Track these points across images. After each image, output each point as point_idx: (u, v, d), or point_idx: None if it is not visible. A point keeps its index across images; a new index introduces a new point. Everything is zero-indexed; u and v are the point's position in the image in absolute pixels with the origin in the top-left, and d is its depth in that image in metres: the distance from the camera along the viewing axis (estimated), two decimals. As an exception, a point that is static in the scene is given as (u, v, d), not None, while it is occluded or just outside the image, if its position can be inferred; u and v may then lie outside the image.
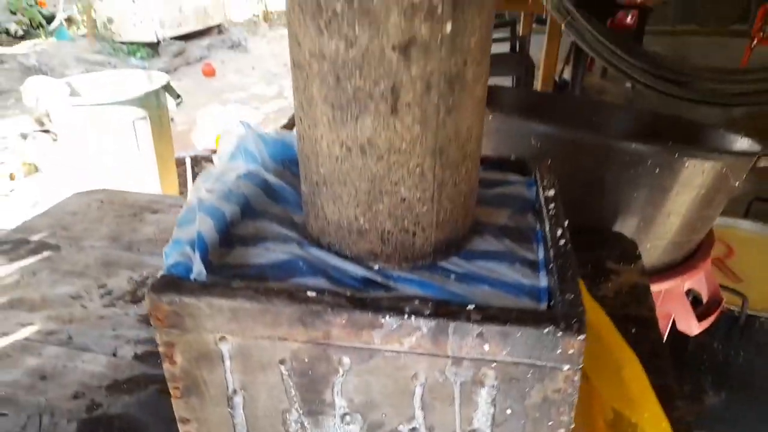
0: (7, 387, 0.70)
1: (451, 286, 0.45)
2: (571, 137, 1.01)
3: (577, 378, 0.39)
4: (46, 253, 1.01)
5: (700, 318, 1.23)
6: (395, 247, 0.46)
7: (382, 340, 0.39)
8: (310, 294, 0.40)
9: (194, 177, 3.18)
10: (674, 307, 1.21)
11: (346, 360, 0.41)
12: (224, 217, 0.50)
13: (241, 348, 0.42)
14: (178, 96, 2.73)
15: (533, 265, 0.48)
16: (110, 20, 6.13)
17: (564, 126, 1.02)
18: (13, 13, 6.47)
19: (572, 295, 0.41)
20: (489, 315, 0.38)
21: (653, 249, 1.16)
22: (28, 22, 6.51)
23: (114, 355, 0.75)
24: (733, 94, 3.52)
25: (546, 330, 0.37)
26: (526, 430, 0.41)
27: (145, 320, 0.82)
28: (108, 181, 2.43)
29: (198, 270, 0.43)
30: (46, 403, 0.67)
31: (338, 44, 0.37)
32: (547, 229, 0.50)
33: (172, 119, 3.03)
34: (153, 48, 6.24)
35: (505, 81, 4.54)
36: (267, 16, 8.41)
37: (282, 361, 0.42)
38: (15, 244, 1.04)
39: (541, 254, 0.50)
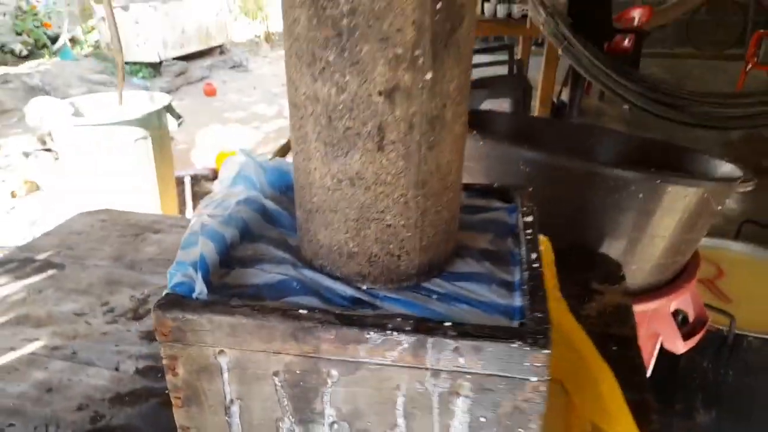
0: (15, 399, 0.73)
1: (432, 305, 0.49)
2: (557, 163, 1.06)
3: (544, 389, 0.43)
4: (51, 272, 1.05)
5: (687, 337, 1.27)
6: (382, 269, 0.50)
7: (368, 354, 0.43)
8: (302, 312, 0.44)
9: (194, 196, 3.22)
10: (660, 327, 1.25)
11: (334, 372, 0.45)
12: (224, 240, 0.54)
13: (238, 361, 0.46)
14: (179, 117, 2.78)
15: (509, 286, 0.52)
16: (114, 40, 6.22)
17: (550, 152, 1.06)
18: (19, 33, 6.58)
19: (541, 314, 0.45)
20: (464, 331, 0.42)
21: (639, 270, 1.20)
22: (33, 42, 6.62)
23: (117, 369, 0.78)
24: (728, 118, 3.59)
25: (515, 345, 0.41)
26: (499, 438, 0.45)
27: (146, 336, 0.85)
28: (108, 199, 2.47)
29: (200, 289, 0.47)
30: (52, 415, 0.70)
31: (330, 89, 0.42)
32: (523, 252, 0.54)
33: (172, 138, 3.09)
34: (155, 68, 6.34)
35: (504, 103, 4.62)
36: (268, 37, 8.55)
37: (276, 373, 0.45)
38: (21, 263, 1.08)
39: (517, 276, 0.54)
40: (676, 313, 1.39)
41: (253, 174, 0.62)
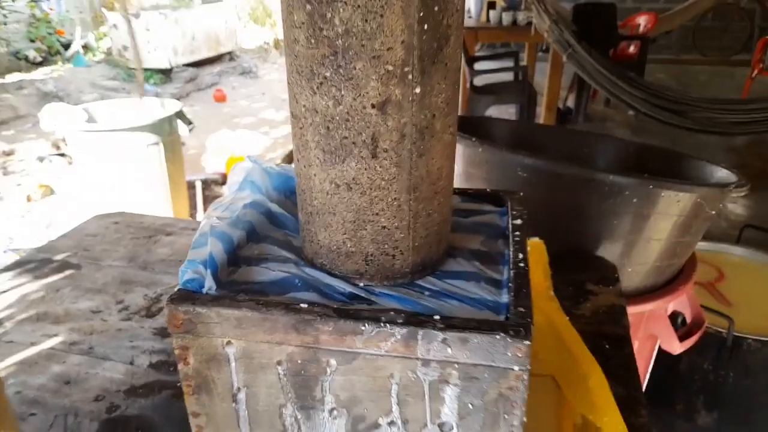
0: (36, 390, 0.78)
1: (424, 301, 0.53)
2: (553, 169, 1.10)
3: (526, 377, 0.46)
4: (68, 272, 1.10)
5: (683, 338, 1.29)
6: (377, 268, 0.54)
7: (363, 345, 0.47)
8: (303, 306, 0.48)
9: (204, 199, 3.28)
10: (657, 328, 1.27)
11: (333, 362, 0.48)
12: (232, 240, 0.58)
13: (244, 351, 0.50)
14: (190, 122, 2.84)
15: (498, 284, 0.56)
16: (125, 47, 6.34)
17: (546, 158, 1.10)
18: (32, 41, 6.70)
19: (524, 309, 0.48)
20: (451, 324, 0.46)
21: (636, 273, 1.23)
22: (47, 49, 6.74)
23: (131, 363, 0.83)
24: (732, 123, 3.60)
25: (498, 336, 0.45)
26: (486, 422, 0.48)
27: (159, 333, 0.90)
28: (121, 203, 2.54)
29: (209, 285, 0.51)
30: (71, 405, 0.75)
31: (328, 102, 0.46)
32: (511, 252, 0.58)
33: (183, 143, 3.15)
34: (166, 74, 6.43)
35: (510, 108, 4.66)
36: (277, 44, 8.63)
37: (279, 363, 0.49)
38: (40, 264, 1.13)
39: (506, 275, 0.57)
40: (674, 315, 1.41)
41: (258, 179, 0.66)
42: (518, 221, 0.64)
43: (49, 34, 6.84)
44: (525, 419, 0.48)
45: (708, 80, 6.56)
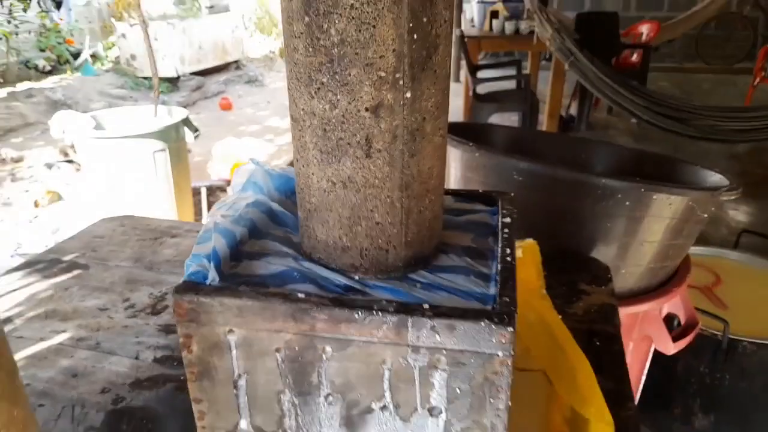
0: (45, 383, 0.81)
1: (416, 293, 0.56)
2: (547, 173, 1.13)
3: (510, 363, 0.49)
4: (76, 272, 1.13)
5: (677, 339, 1.32)
6: (372, 262, 0.57)
7: (357, 332, 0.50)
8: (300, 295, 0.51)
9: (209, 206, 3.32)
10: (651, 329, 1.30)
11: (328, 349, 0.51)
12: (235, 237, 0.61)
13: (245, 339, 0.53)
14: (196, 130, 2.89)
15: (486, 278, 0.59)
16: (133, 56, 6.42)
17: (540, 162, 1.13)
18: (42, 50, 6.80)
19: (508, 298, 0.51)
20: (439, 312, 0.49)
21: (630, 275, 1.26)
22: (56, 58, 6.83)
23: (136, 358, 0.86)
24: (733, 131, 3.62)
25: (483, 323, 0.48)
26: (473, 406, 0.51)
27: (163, 329, 0.93)
28: (128, 209, 2.58)
29: (212, 276, 0.54)
30: (78, 397, 0.78)
31: (325, 106, 0.49)
32: (500, 248, 0.61)
33: (189, 150, 3.19)
34: (173, 83, 6.50)
35: (512, 116, 4.70)
36: (283, 53, 8.70)
37: (277, 350, 0.52)
38: (49, 264, 1.16)
39: (494, 269, 0.60)
40: (669, 318, 1.44)
41: (261, 180, 0.70)
42: (507, 219, 0.67)
43: (59, 43, 6.93)
44: (510, 403, 0.51)
45: (711, 89, 6.59)
